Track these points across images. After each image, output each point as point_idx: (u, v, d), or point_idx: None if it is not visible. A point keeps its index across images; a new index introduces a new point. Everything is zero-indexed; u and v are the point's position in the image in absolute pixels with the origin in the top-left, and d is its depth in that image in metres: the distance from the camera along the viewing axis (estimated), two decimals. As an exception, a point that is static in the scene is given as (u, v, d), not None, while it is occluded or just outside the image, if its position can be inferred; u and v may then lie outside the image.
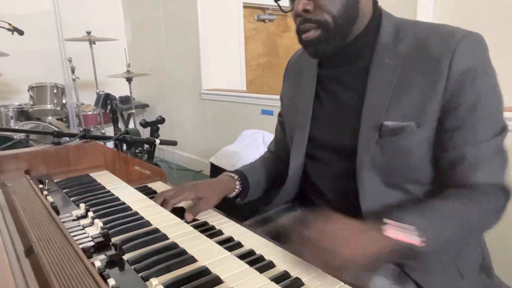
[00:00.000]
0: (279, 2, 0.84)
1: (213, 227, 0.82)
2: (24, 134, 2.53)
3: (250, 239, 0.75)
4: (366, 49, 0.80)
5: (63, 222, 0.79)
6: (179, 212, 0.87)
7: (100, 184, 1.09)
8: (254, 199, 1.03)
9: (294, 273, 0.62)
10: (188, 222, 0.82)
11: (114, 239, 0.71)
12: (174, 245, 0.70)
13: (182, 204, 0.92)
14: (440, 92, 0.72)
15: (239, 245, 0.73)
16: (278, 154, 1.11)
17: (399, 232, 0.63)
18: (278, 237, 0.79)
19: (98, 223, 0.76)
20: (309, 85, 0.91)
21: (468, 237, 0.77)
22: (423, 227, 0.64)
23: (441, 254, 0.76)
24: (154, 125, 2.46)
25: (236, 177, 0.98)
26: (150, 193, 1.06)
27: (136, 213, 0.86)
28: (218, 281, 0.58)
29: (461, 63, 0.71)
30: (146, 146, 2.48)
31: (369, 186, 0.80)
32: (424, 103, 0.73)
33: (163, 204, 0.90)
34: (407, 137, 0.75)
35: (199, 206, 0.87)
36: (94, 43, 3.23)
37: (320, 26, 0.77)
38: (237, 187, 0.98)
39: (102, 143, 1.28)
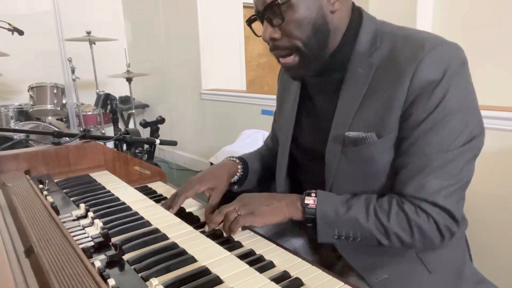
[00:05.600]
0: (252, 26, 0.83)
1: (213, 227, 0.82)
2: (24, 134, 2.53)
3: (250, 239, 0.75)
4: (345, 58, 0.79)
5: (63, 222, 0.79)
6: (180, 213, 0.88)
7: (100, 184, 1.09)
8: (249, 189, 1.04)
9: (294, 273, 0.62)
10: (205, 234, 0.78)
11: (114, 239, 0.71)
12: (174, 245, 0.70)
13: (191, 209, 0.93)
14: (400, 103, 0.71)
15: (239, 245, 0.73)
16: (275, 149, 1.13)
17: (306, 197, 0.76)
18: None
19: (98, 223, 0.76)
20: (295, 90, 0.93)
21: (368, 243, 0.74)
22: (323, 200, 0.75)
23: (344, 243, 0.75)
24: (154, 125, 2.46)
25: (238, 161, 1.01)
26: (150, 193, 1.06)
27: (136, 213, 0.86)
28: (218, 281, 0.58)
29: (423, 75, 0.68)
30: (146, 146, 2.48)
31: (336, 193, 0.80)
32: (385, 114, 0.72)
33: (175, 199, 0.89)
34: (369, 147, 0.75)
35: (214, 200, 0.90)
36: (94, 43, 3.23)
37: (294, 52, 0.76)
38: (239, 171, 1.00)
39: (102, 143, 1.28)
